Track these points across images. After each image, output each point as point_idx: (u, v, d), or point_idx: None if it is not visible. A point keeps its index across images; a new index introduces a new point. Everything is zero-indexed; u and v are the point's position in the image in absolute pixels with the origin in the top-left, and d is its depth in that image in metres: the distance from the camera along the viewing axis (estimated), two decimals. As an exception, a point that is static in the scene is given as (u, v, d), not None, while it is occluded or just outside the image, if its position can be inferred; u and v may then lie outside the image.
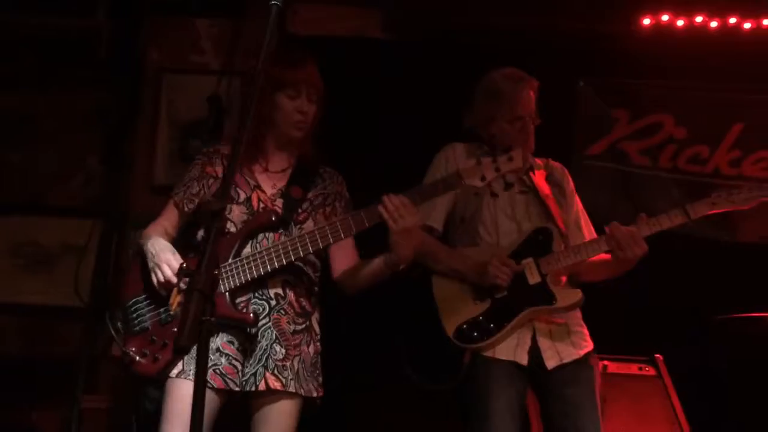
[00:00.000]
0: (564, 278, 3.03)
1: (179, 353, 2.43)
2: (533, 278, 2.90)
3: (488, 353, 2.88)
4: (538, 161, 3.21)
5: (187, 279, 2.55)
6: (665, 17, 4.28)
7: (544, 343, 2.91)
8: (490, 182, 2.56)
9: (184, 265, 2.56)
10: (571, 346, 2.94)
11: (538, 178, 3.12)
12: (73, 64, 4.27)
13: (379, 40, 4.36)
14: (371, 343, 3.76)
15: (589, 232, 3.15)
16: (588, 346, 3.00)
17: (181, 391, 2.50)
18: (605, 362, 3.67)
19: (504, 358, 2.87)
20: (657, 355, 3.76)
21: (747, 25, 4.25)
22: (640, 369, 3.72)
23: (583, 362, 2.94)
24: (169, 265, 2.54)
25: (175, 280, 2.54)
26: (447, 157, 3.11)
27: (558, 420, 2.87)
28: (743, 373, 3.98)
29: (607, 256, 2.95)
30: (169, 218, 2.77)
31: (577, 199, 3.21)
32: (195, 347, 2.25)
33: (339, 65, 4.02)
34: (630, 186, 4.42)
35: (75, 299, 4.00)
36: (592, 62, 4.24)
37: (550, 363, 2.89)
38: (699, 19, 4.26)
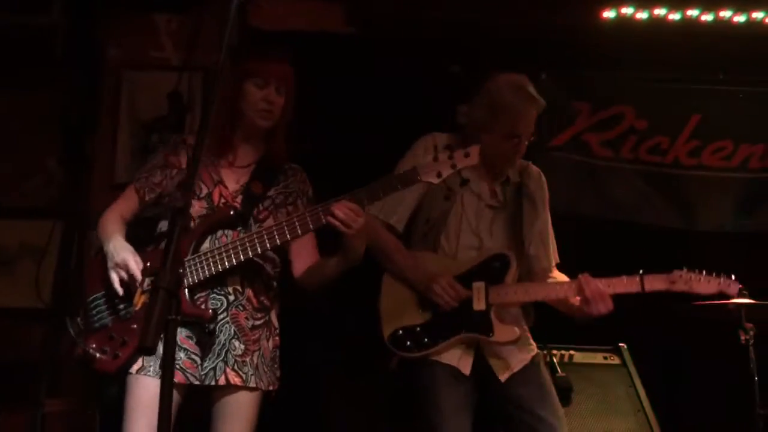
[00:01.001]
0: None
1: (144, 353, 2.42)
2: (479, 304, 2.90)
3: (433, 357, 2.91)
4: (517, 166, 3.16)
5: (150, 279, 2.53)
6: (625, 9, 4.31)
7: (491, 357, 2.94)
8: (445, 179, 2.54)
9: (149, 264, 2.54)
10: (518, 353, 2.97)
11: (512, 190, 3.10)
12: (30, 63, 4.19)
13: (342, 34, 4.34)
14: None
15: (546, 251, 3.13)
16: (533, 348, 3.04)
17: (142, 388, 2.51)
18: (571, 352, 3.71)
19: (447, 362, 2.91)
20: (621, 344, 3.81)
21: (706, 18, 4.31)
22: (605, 358, 3.77)
23: (530, 364, 2.98)
24: (128, 266, 2.54)
25: (138, 275, 2.53)
26: (426, 146, 3.07)
27: (518, 417, 2.90)
28: (705, 359, 4.05)
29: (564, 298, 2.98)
30: (128, 204, 2.75)
31: (547, 211, 3.19)
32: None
33: (304, 60, 4.02)
34: (593, 177, 4.47)
35: (36, 301, 3.94)
36: (555, 55, 4.26)
37: (503, 376, 2.92)
38: (660, 11, 4.30)
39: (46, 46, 4.12)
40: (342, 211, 2.48)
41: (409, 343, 2.90)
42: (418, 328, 2.91)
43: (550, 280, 3.09)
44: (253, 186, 2.71)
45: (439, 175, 2.51)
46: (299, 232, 2.54)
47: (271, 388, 2.67)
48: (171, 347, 1.79)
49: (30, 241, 4.11)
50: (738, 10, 4.29)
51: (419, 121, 3.22)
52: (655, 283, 2.94)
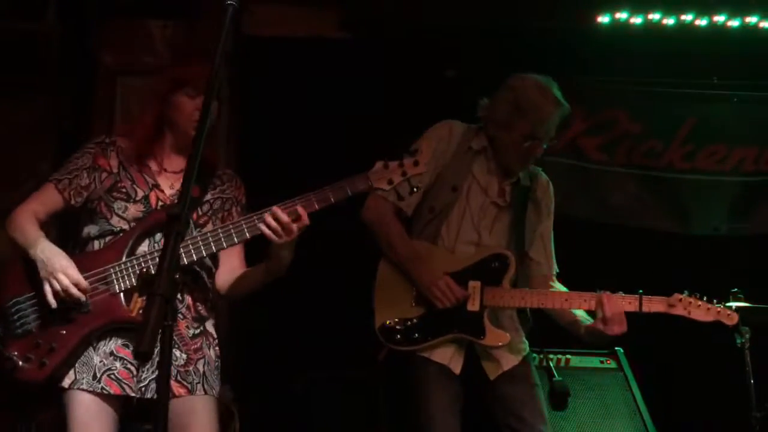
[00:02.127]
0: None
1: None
2: (473, 305, 2.88)
3: (424, 354, 2.89)
4: (530, 171, 3.14)
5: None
6: (620, 14, 4.32)
7: (483, 355, 2.93)
8: (396, 186, 2.47)
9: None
10: (509, 353, 2.96)
11: (519, 192, 3.07)
12: (24, 69, 4.18)
13: (335, 39, 4.34)
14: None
15: (547, 258, 3.11)
16: (526, 348, 3.03)
17: (81, 403, 2.38)
18: (568, 356, 3.71)
19: (439, 361, 2.89)
20: (618, 348, 3.81)
21: (700, 23, 4.32)
22: (602, 362, 3.77)
23: (520, 364, 2.98)
24: (65, 273, 2.37)
25: (72, 289, 2.36)
26: (440, 137, 3.04)
27: (503, 417, 2.90)
28: (701, 363, 4.06)
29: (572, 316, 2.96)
30: (45, 203, 2.56)
31: (551, 219, 3.16)
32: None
33: (296, 66, 4.03)
34: (587, 181, 4.48)
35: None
36: (549, 59, 4.27)
37: (493, 374, 2.92)
38: (654, 16, 4.31)
39: (40, 52, 4.11)
40: (274, 218, 2.38)
41: (399, 336, 2.88)
42: (410, 323, 2.89)
43: (551, 290, 3.05)
44: (191, 189, 2.62)
45: (390, 182, 2.45)
46: (235, 240, 2.44)
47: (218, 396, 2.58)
48: (167, 354, 1.78)
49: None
50: (732, 14, 4.30)
51: (413, 125, 3.21)
52: (654, 305, 2.93)
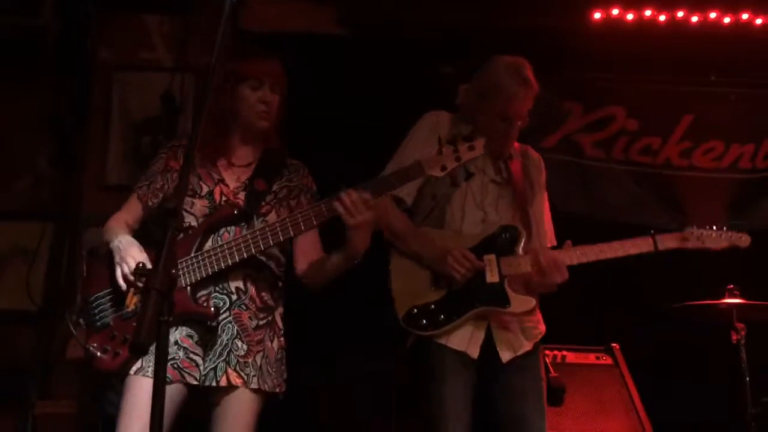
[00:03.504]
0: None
1: (136, 353, 2.39)
2: (492, 276, 2.87)
3: (441, 340, 2.88)
4: (517, 148, 3.15)
5: (144, 278, 2.51)
6: (616, 11, 4.33)
7: (499, 338, 2.91)
8: (450, 171, 2.52)
9: (141, 264, 2.52)
10: (524, 338, 2.95)
11: (515, 167, 3.09)
12: (21, 64, 4.17)
13: (334, 36, 4.34)
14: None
15: (539, 232, 3.10)
16: (540, 333, 3.01)
17: (138, 388, 2.48)
18: (564, 352, 3.72)
19: (456, 347, 2.88)
20: (613, 344, 3.82)
21: (697, 19, 4.33)
22: (598, 358, 3.78)
23: (533, 351, 2.97)
24: (134, 260, 2.52)
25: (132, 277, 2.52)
26: (431, 125, 3.06)
27: (505, 409, 2.89)
28: (696, 359, 4.07)
29: None
30: (131, 212, 2.74)
31: (545, 195, 3.18)
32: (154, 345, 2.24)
33: (295, 61, 4.02)
34: (584, 178, 4.48)
35: (27, 303, 3.93)
36: (546, 56, 4.27)
37: (506, 356, 2.90)
38: (651, 13, 4.32)
39: (37, 48, 4.10)
40: (351, 198, 2.45)
41: (424, 321, 2.86)
42: (433, 306, 2.88)
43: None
44: (256, 183, 2.69)
45: (443, 168, 2.49)
46: (302, 227, 2.52)
47: (277, 390, 2.63)
48: (163, 349, 1.78)
49: (20, 243, 4.09)
50: (729, 11, 4.31)
51: (411, 122, 3.21)
52: (668, 242, 2.96)
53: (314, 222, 2.51)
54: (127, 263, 2.52)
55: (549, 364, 3.50)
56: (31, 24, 4.08)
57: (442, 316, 2.87)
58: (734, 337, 3.59)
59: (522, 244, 2.94)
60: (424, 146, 2.95)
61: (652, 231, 2.97)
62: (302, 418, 3.71)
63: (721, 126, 4.50)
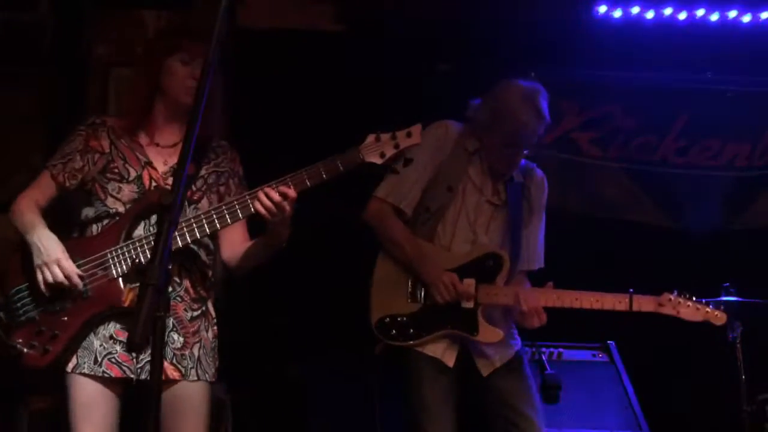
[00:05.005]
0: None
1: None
2: (467, 303, 2.92)
3: (418, 348, 2.93)
4: (522, 166, 3.14)
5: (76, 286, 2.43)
6: (614, 9, 4.33)
7: (475, 352, 2.96)
8: (390, 159, 2.45)
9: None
10: (502, 349, 2.99)
11: (514, 191, 3.08)
12: (16, 59, 4.16)
13: (331, 32, 4.33)
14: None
15: (528, 254, 3.12)
16: (517, 343, 3.06)
17: (79, 388, 2.43)
18: (560, 349, 3.72)
19: (431, 354, 2.92)
20: (609, 342, 3.82)
21: (694, 17, 4.33)
22: (594, 355, 3.79)
23: (513, 359, 3.00)
24: (59, 266, 2.40)
25: (66, 282, 2.39)
26: (438, 137, 3.05)
27: (497, 410, 2.93)
28: (692, 357, 4.07)
29: None
30: (43, 191, 2.59)
31: (543, 217, 3.18)
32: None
33: (292, 57, 4.02)
34: (581, 175, 4.48)
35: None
36: (543, 53, 4.28)
37: (485, 371, 2.95)
38: (648, 11, 4.32)
39: (33, 43, 4.09)
40: (267, 198, 2.37)
41: (394, 332, 2.92)
42: (405, 319, 2.92)
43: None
44: None
45: (382, 155, 2.43)
46: (240, 215, 2.43)
47: (213, 380, 2.58)
48: (159, 345, 1.78)
49: (15, 238, 4.07)
50: (721, 9, 4.31)
51: (408, 119, 3.20)
52: (644, 304, 2.97)
53: (240, 216, 2.43)
54: (51, 271, 2.39)
55: (545, 361, 3.51)
56: (28, 19, 4.07)
57: (411, 330, 2.92)
58: (730, 335, 3.59)
59: (504, 274, 2.96)
60: (429, 161, 2.98)
61: (630, 290, 2.98)
62: (287, 415, 3.71)
63: (717, 124, 4.51)
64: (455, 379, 2.94)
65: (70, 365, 2.43)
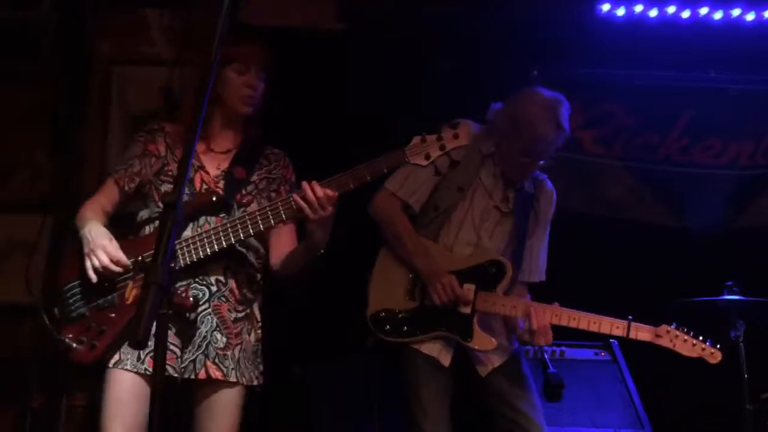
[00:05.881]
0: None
1: (137, 347, 2.37)
2: (465, 307, 2.91)
3: (414, 345, 2.93)
4: (534, 177, 3.15)
5: (127, 270, 2.50)
6: (617, 7, 4.33)
7: (472, 354, 2.96)
8: (434, 161, 2.48)
9: (140, 258, 2.50)
10: (498, 353, 3.00)
11: (522, 200, 3.08)
12: (19, 57, 4.16)
13: (334, 30, 4.33)
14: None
15: (530, 265, 3.12)
16: (515, 343, 3.06)
17: (117, 382, 2.47)
18: (562, 348, 3.72)
19: (427, 353, 2.93)
20: (612, 341, 3.82)
21: (696, 15, 4.33)
22: (596, 354, 3.79)
23: (510, 358, 3.01)
24: (105, 251, 2.47)
25: (112, 266, 2.47)
26: None
27: (498, 408, 2.94)
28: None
29: None
30: (108, 196, 2.69)
31: (547, 230, 3.18)
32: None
33: (294, 55, 4.01)
34: (584, 174, 4.48)
35: (26, 296, 3.91)
36: (545, 52, 4.27)
37: (483, 371, 2.96)
38: (652, 10, 4.32)
39: (35, 41, 4.09)
40: (311, 194, 2.42)
41: (388, 327, 2.92)
42: (401, 315, 2.93)
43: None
44: (236, 171, 2.66)
45: (427, 156, 2.45)
46: (283, 216, 2.47)
47: (255, 383, 2.62)
48: (162, 342, 1.78)
49: (19, 236, 4.08)
50: (724, 8, 4.31)
51: (410, 117, 3.21)
52: (641, 333, 2.99)
53: (283, 216, 2.47)
54: (96, 256, 2.47)
55: (547, 360, 3.50)
56: (30, 17, 4.06)
57: (405, 328, 2.92)
58: (733, 333, 3.59)
59: (504, 283, 2.95)
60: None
61: (629, 317, 2.99)
62: (288, 414, 3.72)
63: (720, 123, 4.50)
64: (452, 377, 2.94)
65: (113, 360, 2.49)
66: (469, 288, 2.91)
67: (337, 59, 4.19)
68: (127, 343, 2.48)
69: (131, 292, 2.52)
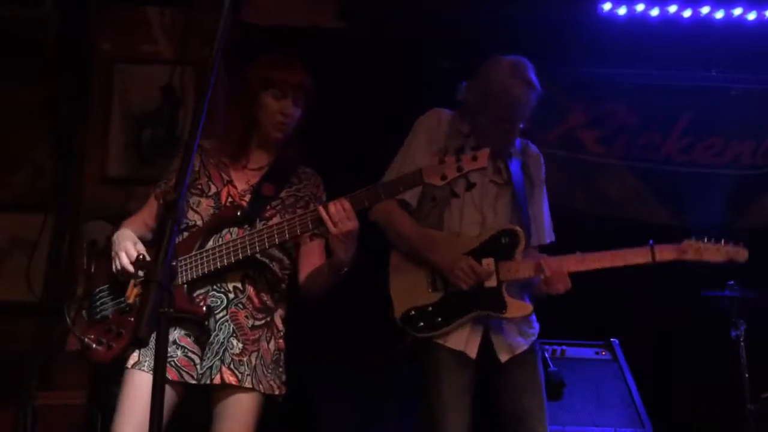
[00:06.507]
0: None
1: (136, 345, 2.40)
2: (490, 281, 2.88)
3: (439, 340, 2.90)
4: (518, 144, 3.15)
5: (144, 270, 2.52)
6: (619, 7, 4.32)
7: (496, 338, 2.93)
8: (450, 181, 2.50)
9: (141, 256, 2.52)
10: (521, 337, 2.98)
11: (515, 167, 3.08)
12: (21, 55, 4.16)
13: (335, 29, 4.33)
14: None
15: (537, 230, 3.12)
16: (535, 332, 3.03)
17: (136, 382, 2.49)
18: (563, 347, 3.73)
19: (454, 347, 2.90)
20: (613, 340, 3.83)
21: (698, 15, 4.33)
22: (597, 353, 3.79)
23: (529, 349, 2.99)
24: (127, 253, 2.53)
25: (130, 268, 2.52)
26: (430, 126, 3.06)
27: (506, 406, 2.92)
28: (695, 355, 4.07)
29: None
30: (149, 211, 2.76)
31: (544, 190, 3.18)
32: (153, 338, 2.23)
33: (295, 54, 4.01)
34: (585, 173, 4.48)
35: (28, 294, 3.93)
36: (548, 51, 4.27)
37: (504, 357, 2.93)
38: (653, 9, 4.32)
39: (37, 39, 4.09)
40: (334, 207, 2.45)
41: (422, 323, 2.88)
42: (431, 308, 2.89)
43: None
44: (264, 187, 2.69)
45: (443, 177, 2.46)
46: (298, 231, 2.50)
47: (277, 392, 2.61)
48: (163, 341, 1.78)
49: (20, 235, 4.09)
50: (725, 7, 4.31)
51: (410, 116, 3.20)
52: (666, 253, 2.97)
53: (310, 227, 2.50)
54: (119, 257, 2.53)
55: (548, 359, 3.51)
56: (32, 15, 4.06)
57: (439, 319, 2.89)
58: (733, 333, 3.59)
59: (521, 248, 2.94)
60: (426, 149, 2.97)
61: (651, 241, 2.97)
62: (301, 419, 3.72)
63: (721, 122, 4.50)
64: (475, 373, 2.91)
65: (131, 361, 2.53)
66: (488, 262, 2.89)
67: (338, 58, 4.19)
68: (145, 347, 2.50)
69: (132, 291, 2.54)
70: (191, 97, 4.14)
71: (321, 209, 2.47)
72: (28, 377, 3.73)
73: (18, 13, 4.05)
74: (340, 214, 2.45)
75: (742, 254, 3.01)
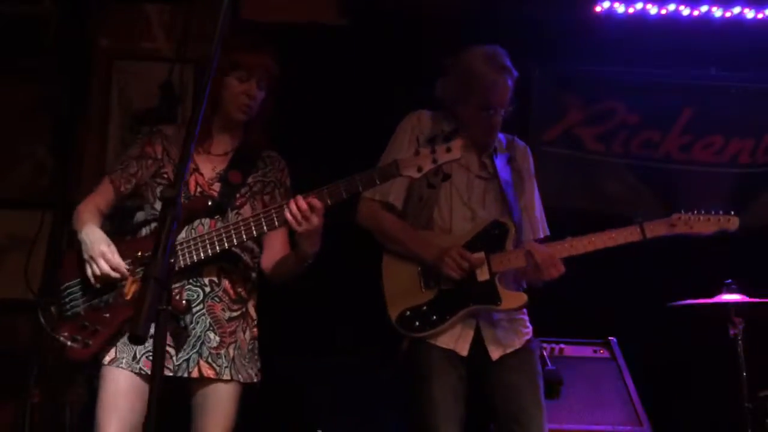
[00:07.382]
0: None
1: (135, 342, 2.36)
2: (482, 275, 2.88)
3: (430, 339, 2.89)
4: (503, 140, 3.15)
5: (140, 268, 2.52)
6: (618, 4, 4.33)
7: (487, 335, 2.92)
8: (426, 173, 2.51)
9: (141, 254, 2.52)
10: (513, 335, 2.96)
11: (500, 161, 3.08)
12: (20, 52, 4.16)
13: (335, 26, 4.33)
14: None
15: (531, 223, 3.11)
16: (529, 332, 3.02)
17: (112, 380, 2.50)
18: (561, 345, 3.73)
19: (444, 346, 2.89)
20: (611, 338, 3.83)
21: (697, 13, 4.33)
22: (595, 351, 3.79)
23: (523, 348, 2.98)
24: (104, 258, 2.50)
25: (112, 273, 2.49)
26: (412, 126, 3.06)
27: (502, 405, 2.90)
28: (693, 353, 4.07)
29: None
30: (103, 196, 2.71)
31: (534, 183, 3.18)
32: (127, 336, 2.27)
33: (295, 51, 4.01)
34: (584, 171, 4.47)
35: (26, 292, 3.93)
36: (547, 49, 4.27)
37: (495, 354, 2.91)
38: (652, 7, 4.32)
39: (37, 36, 4.09)
40: (294, 207, 2.44)
41: (417, 323, 2.88)
42: (425, 307, 2.89)
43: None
44: (231, 174, 2.68)
45: (419, 169, 2.47)
46: (276, 223, 2.50)
47: (255, 380, 2.64)
48: (161, 338, 1.78)
49: (19, 232, 4.09)
50: (724, 5, 4.31)
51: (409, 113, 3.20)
52: (656, 229, 2.96)
53: (276, 224, 2.50)
54: (97, 264, 2.50)
55: (546, 357, 3.51)
56: (31, 12, 4.06)
57: (434, 317, 2.88)
58: (731, 331, 3.59)
59: (511, 239, 2.94)
60: (408, 149, 2.95)
61: (640, 219, 2.96)
62: (286, 411, 3.72)
63: (720, 120, 4.49)
64: (466, 374, 2.90)
65: (108, 358, 2.52)
66: (479, 256, 2.89)
67: (340, 54, 4.19)
68: (121, 341, 2.51)
69: (131, 287, 2.54)
70: (190, 95, 4.14)
71: (286, 211, 2.46)
72: (27, 374, 3.73)
73: (17, 9, 4.05)
74: (305, 213, 2.44)
75: (733, 222, 3.02)
